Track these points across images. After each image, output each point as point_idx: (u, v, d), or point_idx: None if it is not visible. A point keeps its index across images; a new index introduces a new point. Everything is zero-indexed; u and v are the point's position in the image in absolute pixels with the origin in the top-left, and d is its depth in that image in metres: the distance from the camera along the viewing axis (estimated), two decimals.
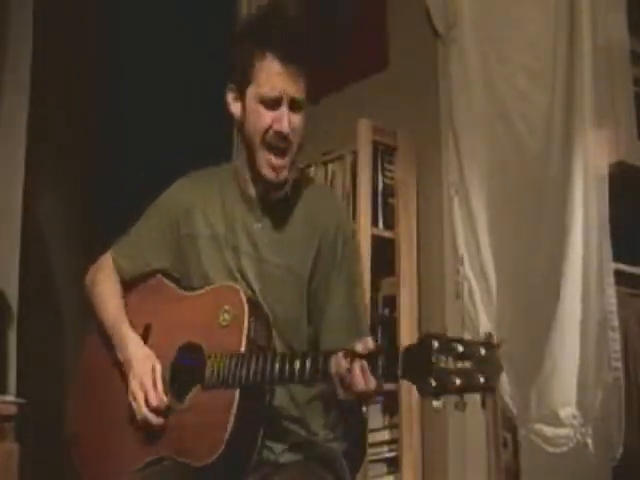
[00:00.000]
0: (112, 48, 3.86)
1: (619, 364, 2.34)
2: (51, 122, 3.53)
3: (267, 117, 1.70)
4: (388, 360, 1.45)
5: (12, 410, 2.57)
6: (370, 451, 2.73)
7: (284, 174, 1.73)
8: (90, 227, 3.65)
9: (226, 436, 1.57)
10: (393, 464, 2.83)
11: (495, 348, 1.34)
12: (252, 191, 1.81)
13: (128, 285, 1.90)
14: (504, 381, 2.58)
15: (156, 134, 3.87)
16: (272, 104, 1.69)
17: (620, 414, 2.32)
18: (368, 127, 2.94)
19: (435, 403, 1.36)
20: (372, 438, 2.75)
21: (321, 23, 3.54)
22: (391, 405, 2.86)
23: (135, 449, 1.71)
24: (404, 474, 2.77)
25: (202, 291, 1.77)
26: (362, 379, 1.46)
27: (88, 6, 3.77)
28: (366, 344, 1.48)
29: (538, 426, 2.47)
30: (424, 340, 1.39)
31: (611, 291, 2.39)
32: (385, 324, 2.90)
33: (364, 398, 1.50)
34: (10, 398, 2.71)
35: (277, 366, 1.57)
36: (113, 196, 3.75)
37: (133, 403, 1.70)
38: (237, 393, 1.60)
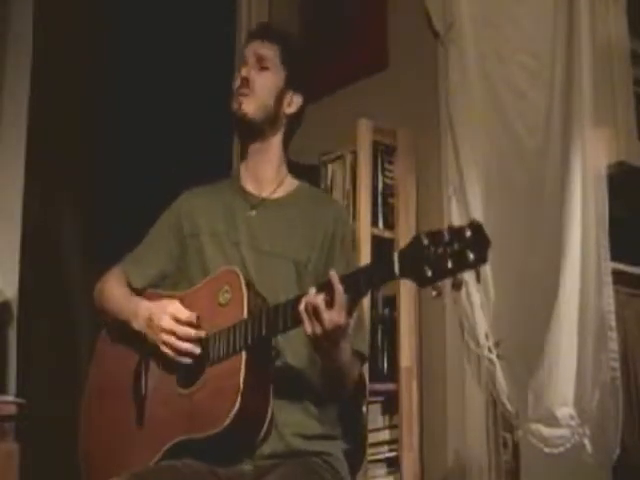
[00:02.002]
0: (112, 51, 3.86)
1: (617, 364, 2.34)
2: (51, 122, 3.53)
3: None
4: (384, 264, 1.51)
5: (12, 410, 2.57)
6: (370, 451, 2.72)
7: (244, 107, 1.89)
8: (90, 227, 3.65)
9: (239, 395, 1.59)
10: (393, 464, 2.83)
11: (479, 226, 1.41)
12: (249, 186, 1.95)
13: None
14: (501, 380, 2.58)
15: (155, 132, 3.87)
16: (243, 66, 1.94)
17: (617, 415, 2.31)
18: (368, 127, 2.94)
19: (434, 292, 1.45)
20: (372, 438, 2.75)
21: (321, 23, 3.55)
22: (391, 405, 2.86)
23: (144, 449, 1.71)
24: (404, 474, 2.77)
25: (199, 285, 1.82)
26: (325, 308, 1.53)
27: (88, 6, 3.77)
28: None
29: (535, 426, 2.46)
30: (413, 240, 1.47)
31: (609, 291, 2.39)
32: (385, 324, 2.90)
33: (331, 328, 1.54)
34: (10, 398, 2.71)
35: (273, 316, 1.62)
36: (113, 196, 3.75)
37: (166, 339, 1.72)
38: (243, 354, 1.64)
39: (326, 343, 1.58)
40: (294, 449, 1.71)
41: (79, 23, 3.75)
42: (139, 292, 1.91)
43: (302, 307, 1.57)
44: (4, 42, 3.08)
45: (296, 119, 1.99)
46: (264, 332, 1.63)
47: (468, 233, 1.40)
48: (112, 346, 1.91)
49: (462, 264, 1.40)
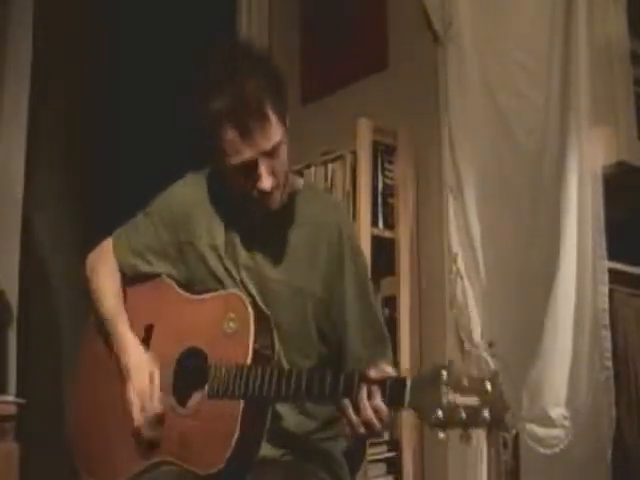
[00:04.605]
0: (112, 51, 3.87)
1: (610, 363, 2.34)
2: (51, 123, 3.53)
3: (247, 182, 1.65)
4: (395, 388, 1.45)
5: (12, 410, 2.57)
6: (370, 451, 2.72)
7: (277, 203, 1.70)
8: (90, 227, 3.65)
9: (231, 449, 1.56)
10: (393, 464, 2.83)
11: (501, 385, 1.36)
12: (248, 209, 1.78)
13: (129, 280, 1.87)
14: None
15: (155, 133, 3.88)
16: (247, 169, 1.63)
17: (610, 414, 2.31)
18: (368, 127, 2.94)
19: (440, 434, 1.37)
20: (372, 438, 2.75)
21: (321, 23, 3.55)
22: None
23: (136, 452, 1.70)
24: (404, 474, 2.77)
25: (206, 296, 1.75)
26: (369, 406, 1.46)
27: (88, 6, 3.78)
28: (380, 372, 1.49)
29: (530, 426, 2.46)
30: (432, 371, 1.40)
31: (604, 290, 2.39)
32: (385, 324, 2.90)
33: (371, 429, 1.48)
34: (10, 398, 2.71)
35: (282, 384, 1.56)
36: (113, 195, 3.75)
37: (130, 409, 1.68)
38: (241, 405, 1.59)
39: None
40: (293, 455, 1.70)
41: (79, 23, 3.75)
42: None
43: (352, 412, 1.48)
44: (4, 42, 3.08)
45: None
46: (264, 395, 1.57)
47: (488, 387, 1.36)
48: (103, 335, 1.83)
49: (476, 421, 1.35)
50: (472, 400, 1.36)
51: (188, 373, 1.70)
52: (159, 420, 1.66)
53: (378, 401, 1.46)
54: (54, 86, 3.53)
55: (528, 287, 2.55)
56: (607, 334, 2.35)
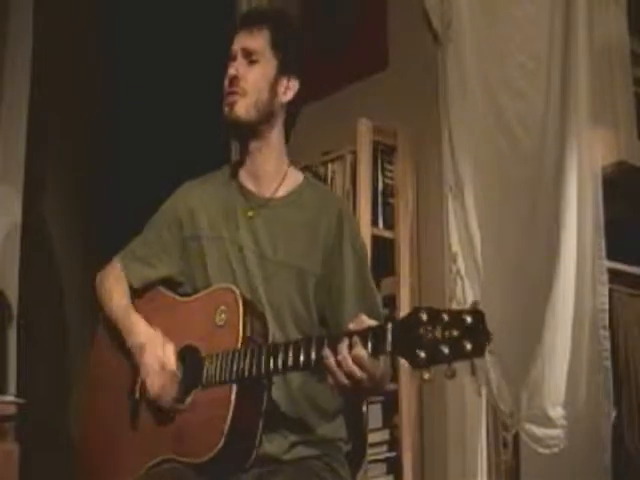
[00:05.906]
0: (112, 49, 3.86)
1: (609, 363, 2.34)
2: (51, 123, 3.53)
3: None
4: (376, 336, 1.46)
5: (12, 410, 2.57)
6: (370, 451, 2.72)
7: (236, 109, 1.81)
8: (90, 227, 3.65)
9: (225, 430, 1.56)
10: (393, 464, 2.83)
11: (481, 315, 1.35)
12: (250, 185, 1.86)
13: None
14: (493, 378, 2.58)
15: (156, 133, 3.88)
16: (232, 62, 1.85)
17: (609, 414, 2.31)
18: (368, 127, 2.94)
19: (426, 374, 1.38)
20: (372, 438, 2.75)
21: (321, 23, 3.55)
22: (391, 405, 2.86)
23: (136, 454, 1.71)
24: (404, 474, 2.77)
25: (197, 295, 1.79)
26: (349, 356, 1.46)
27: (88, 5, 3.78)
28: (360, 323, 1.50)
29: (529, 426, 2.46)
30: (411, 314, 1.41)
31: (604, 290, 2.39)
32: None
33: (353, 379, 1.48)
34: (10, 398, 2.71)
35: (271, 357, 1.57)
36: (113, 195, 3.75)
37: (147, 380, 1.69)
38: (234, 387, 1.60)
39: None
40: (295, 451, 1.71)
41: (79, 23, 3.75)
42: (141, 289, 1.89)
43: (333, 362, 1.49)
44: (4, 42, 3.08)
45: (294, 105, 1.87)
46: (255, 372, 1.58)
47: (468, 320, 1.35)
48: (110, 340, 1.87)
49: (458, 353, 1.34)
50: (453, 333, 1.36)
51: (185, 372, 1.71)
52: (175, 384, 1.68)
53: (358, 350, 1.46)
54: (54, 86, 3.53)
55: (528, 287, 2.55)
56: (606, 334, 2.35)
